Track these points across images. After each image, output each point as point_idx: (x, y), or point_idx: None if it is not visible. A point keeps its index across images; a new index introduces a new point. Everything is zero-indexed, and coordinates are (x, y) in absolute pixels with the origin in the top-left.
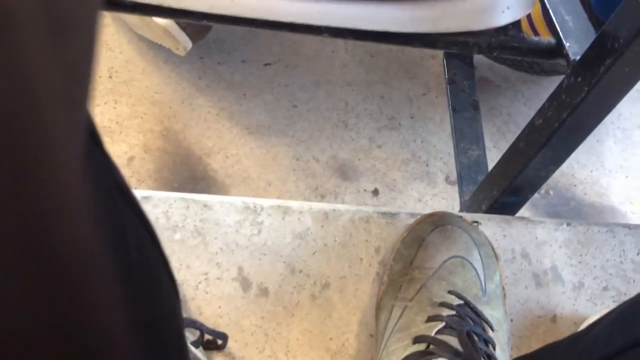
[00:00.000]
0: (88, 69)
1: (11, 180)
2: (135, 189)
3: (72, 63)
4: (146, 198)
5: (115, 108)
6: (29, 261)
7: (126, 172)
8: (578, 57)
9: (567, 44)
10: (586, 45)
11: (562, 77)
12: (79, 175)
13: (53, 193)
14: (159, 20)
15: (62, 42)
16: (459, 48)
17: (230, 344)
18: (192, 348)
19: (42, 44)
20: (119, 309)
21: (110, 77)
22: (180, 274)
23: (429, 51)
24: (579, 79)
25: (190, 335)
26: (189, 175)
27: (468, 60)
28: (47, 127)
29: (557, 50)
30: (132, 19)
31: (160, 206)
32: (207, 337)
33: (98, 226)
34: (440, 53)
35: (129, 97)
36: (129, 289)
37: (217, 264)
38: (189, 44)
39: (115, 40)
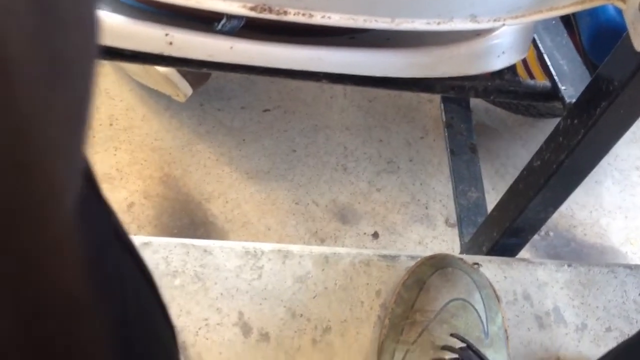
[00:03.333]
0: (85, 116)
1: (5, 222)
2: (135, 235)
3: (68, 110)
4: (146, 244)
5: (115, 155)
6: (14, 299)
7: (126, 218)
8: (574, 100)
9: (562, 87)
10: (581, 88)
11: (558, 119)
12: (70, 221)
13: (41, 236)
14: (160, 68)
15: (59, 90)
16: (455, 92)
17: None
18: None
19: (39, 92)
20: (105, 354)
21: (110, 124)
22: (181, 320)
23: (426, 95)
24: (575, 122)
25: None
26: (189, 220)
27: (465, 104)
28: (38, 173)
29: (553, 93)
30: (133, 66)
31: (160, 252)
32: None
33: (89, 273)
34: (437, 97)
35: (129, 144)
36: (122, 335)
37: (218, 309)
38: (189, 90)
39: (116, 88)
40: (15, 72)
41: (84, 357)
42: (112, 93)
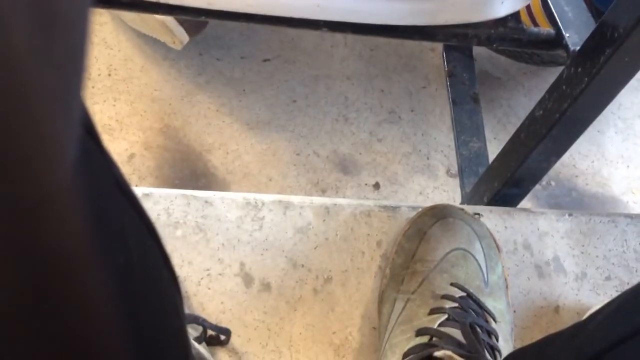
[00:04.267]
0: (79, 65)
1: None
2: (136, 186)
3: (61, 59)
4: (147, 195)
5: (114, 106)
6: (12, 253)
7: (127, 170)
8: (578, 48)
9: (566, 35)
10: (586, 35)
11: (562, 67)
12: (69, 172)
13: (40, 187)
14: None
15: (50, 39)
16: (458, 40)
17: (233, 339)
18: (195, 344)
19: (30, 41)
20: (108, 305)
21: (109, 74)
22: (183, 270)
23: (428, 44)
24: (579, 70)
25: (193, 331)
26: (190, 171)
27: (467, 52)
28: (36, 123)
29: (557, 41)
30: (129, 13)
31: (161, 203)
32: (210, 332)
33: (89, 223)
34: (439, 46)
35: (129, 94)
36: (127, 286)
37: (219, 259)
38: (185, 38)
39: (114, 37)
40: (6, 22)
41: (85, 309)
42: (110, 43)
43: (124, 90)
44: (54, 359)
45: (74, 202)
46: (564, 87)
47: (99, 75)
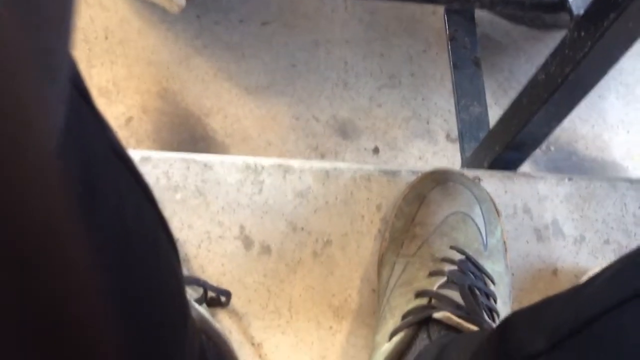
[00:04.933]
0: (65, 27)
1: None
2: (135, 149)
3: (46, 21)
4: (146, 159)
5: (111, 69)
6: None
7: (124, 133)
8: (582, 12)
9: None
10: None
11: (564, 32)
12: (56, 143)
13: (25, 161)
14: None
15: (33, 3)
16: (460, 3)
17: (233, 300)
18: (195, 305)
19: (12, 8)
20: (98, 277)
21: (106, 37)
22: (182, 233)
23: (429, 7)
24: (583, 34)
25: (194, 293)
26: (189, 135)
27: (469, 16)
28: (20, 95)
29: (560, 4)
30: None
31: (160, 166)
32: (210, 294)
33: (78, 193)
34: (440, 9)
35: (126, 57)
36: (122, 251)
37: (219, 222)
38: (183, 1)
39: (110, 0)
40: None
41: (73, 283)
42: (106, 5)
43: (121, 53)
44: (43, 334)
45: (61, 174)
46: (567, 51)
47: (96, 38)
